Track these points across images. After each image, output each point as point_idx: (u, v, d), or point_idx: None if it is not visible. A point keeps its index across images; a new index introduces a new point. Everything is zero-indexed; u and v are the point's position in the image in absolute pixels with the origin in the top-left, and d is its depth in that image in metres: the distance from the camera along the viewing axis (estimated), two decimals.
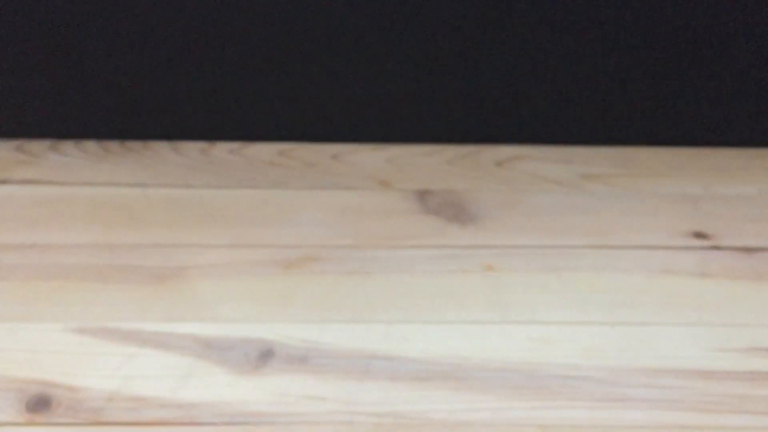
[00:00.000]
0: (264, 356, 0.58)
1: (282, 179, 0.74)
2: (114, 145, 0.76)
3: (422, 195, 0.72)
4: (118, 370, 0.57)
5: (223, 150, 0.76)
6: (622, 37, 0.72)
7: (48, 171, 0.74)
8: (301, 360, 0.58)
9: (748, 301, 0.64)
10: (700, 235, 0.69)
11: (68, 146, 0.76)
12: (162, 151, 0.76)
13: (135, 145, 0.76)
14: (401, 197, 0.72)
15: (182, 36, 0.72)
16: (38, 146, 0.76)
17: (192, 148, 0.76)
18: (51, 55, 0.72)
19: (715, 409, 0.56)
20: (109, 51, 0.72)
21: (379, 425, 0.54)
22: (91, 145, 0.76)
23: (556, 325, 0.62)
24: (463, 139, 0.77)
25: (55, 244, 0.67)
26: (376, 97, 0.75)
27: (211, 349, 0.59)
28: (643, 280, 0.66)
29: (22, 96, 0.75)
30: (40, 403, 0.55)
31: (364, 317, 0.62)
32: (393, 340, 0.60)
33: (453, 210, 0.71)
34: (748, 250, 0.68)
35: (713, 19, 0.70)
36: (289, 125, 0.77)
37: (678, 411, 0.56)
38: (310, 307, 0.62)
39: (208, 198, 0.72)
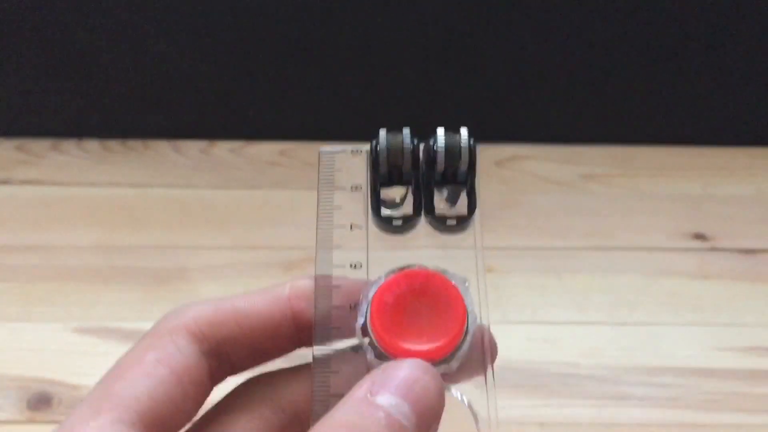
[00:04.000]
0: None
1: (282, 179, 0.74)
2: (115, 145, 0.76)
3: None
4: None
5: (223, 150, 0.76)
6: (621, 37, 0.72)
7: (49, 171, 0.74)
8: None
9: (747, 301, 0.64)
10: (699, 237, 0.69)
11: (69, 146, 0.76)
12: (163, 150, 0.76)
13: (136, 144, 0.76)
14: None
15: (183, 35, 0.72)
16: (39, 146, 0.76)
17: (192, 148, 0.76)
18: (52, 54, 0.73)
19: (714, 407, 0.56)
20: (109, 50, 0.73)
21: None
22: (92, 144, 0.76)
23: (556, 325, 0.62)
24: None
25: (55, 245, 0.67)
26: (376, 97, 0.75)
27: None
28: (642, 280, 0.66)
29: (23, 95, 0.75)
30: (41, 401, 0.55)
31: None
32: None
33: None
34: (748, 251, 0.68)
35: (713, 18, 0.71)
36: (289, 125, 0.77)
37: (677, 409, 0.56)
38: None
39: (208, 198, 0.72)
